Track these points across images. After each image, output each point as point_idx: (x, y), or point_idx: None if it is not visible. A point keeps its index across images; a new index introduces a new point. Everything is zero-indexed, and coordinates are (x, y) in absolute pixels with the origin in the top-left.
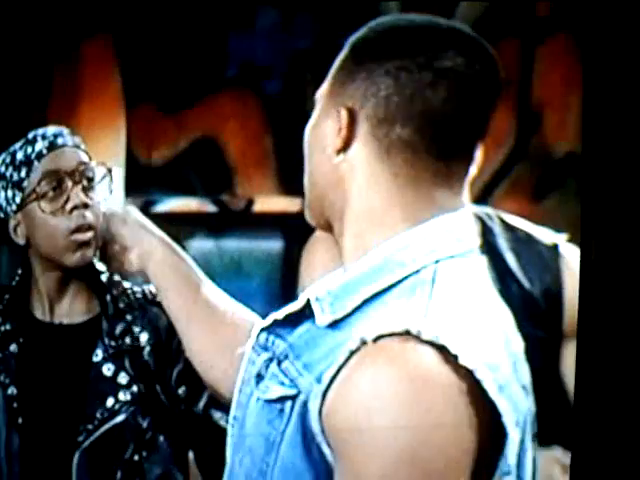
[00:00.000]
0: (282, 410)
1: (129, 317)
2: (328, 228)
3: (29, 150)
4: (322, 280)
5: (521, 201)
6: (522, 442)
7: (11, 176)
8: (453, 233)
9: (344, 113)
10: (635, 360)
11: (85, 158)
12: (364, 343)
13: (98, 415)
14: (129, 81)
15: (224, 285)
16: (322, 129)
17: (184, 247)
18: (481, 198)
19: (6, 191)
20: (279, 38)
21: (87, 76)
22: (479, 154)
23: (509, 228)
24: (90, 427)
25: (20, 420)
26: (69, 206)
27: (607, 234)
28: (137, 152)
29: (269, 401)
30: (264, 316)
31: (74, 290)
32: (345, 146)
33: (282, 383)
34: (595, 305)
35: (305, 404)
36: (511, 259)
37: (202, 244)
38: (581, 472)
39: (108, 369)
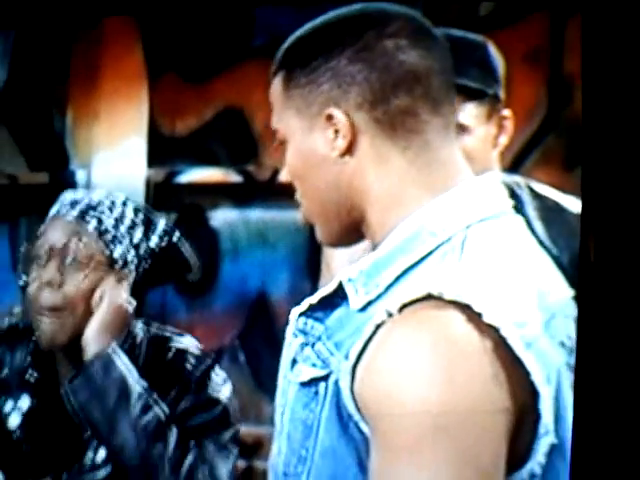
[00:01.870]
0: (317, 392)
1: None
2: (351, 238)
3: (49, 214)
4: (354, 262)
5: (552, 171)
6: (557, 398)
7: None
8: (481, 197)
9: (338, 113)
10: (636, 364)
11: (80, 233)
12: (390, 315)
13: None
14: (153, 51)
15: (249, 255)
16: (311, 146)
17: (209, 218)
18: (512, 168)
19: None
20: (307, 7)
21: (109, 46)
22: (510, 123)
23: (538, 197)
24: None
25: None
26: (36, 283)
27: (607, 236)
28: (161, 123)
29: (303, 384)
30: (290, 286)
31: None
32: (350, 145)
33: (314, 365)
34: (594, 309)
35: (337, 383)
36: (540, 227)
37: (227, 214)
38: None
39: None
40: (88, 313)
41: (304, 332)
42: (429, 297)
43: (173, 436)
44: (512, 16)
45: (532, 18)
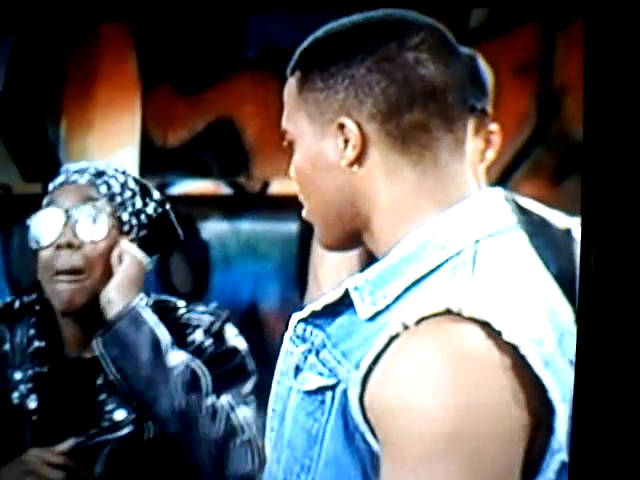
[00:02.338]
0: (323, 401)
1: None
2: (351, 243)
3: (49, 185)
4: (341, 274)
5: (540, 184)
6: (570, 417)
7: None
8: (488, 212)
9: (350, 124)
10: (636, 370)
11: (93, 196)
12: (406, 327)
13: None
14: (146, 62)
15: (240, 267)
16: (320, 151)
17: (200, 229)
18: (500, 181)
19: None
20: (299, 19)
21: (104, 56)
22: (497, 137)
23: (523, 211)
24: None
25: (38, 433)
26: (51, 248)
27: (607, 243)
28: (153, 134)
29: (309, 393)
30: (281, 298)
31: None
32: (359, 155)
33: (321, 373)
34: (594, 316)
35: (345, 393)
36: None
37: (217, 226)
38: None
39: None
40: (106, 274)
41: (303, 338)
42: (447, 312)
43: (209, 383)
44: (502, 28)
45: (522, 30)
